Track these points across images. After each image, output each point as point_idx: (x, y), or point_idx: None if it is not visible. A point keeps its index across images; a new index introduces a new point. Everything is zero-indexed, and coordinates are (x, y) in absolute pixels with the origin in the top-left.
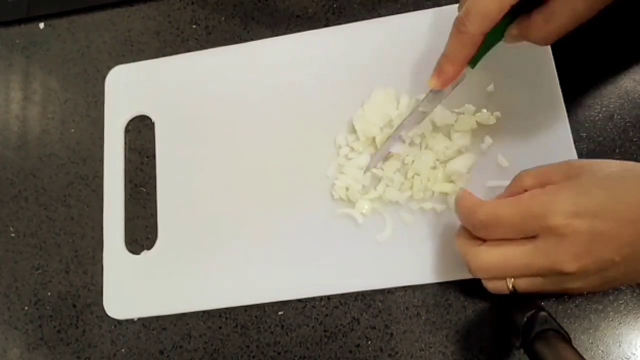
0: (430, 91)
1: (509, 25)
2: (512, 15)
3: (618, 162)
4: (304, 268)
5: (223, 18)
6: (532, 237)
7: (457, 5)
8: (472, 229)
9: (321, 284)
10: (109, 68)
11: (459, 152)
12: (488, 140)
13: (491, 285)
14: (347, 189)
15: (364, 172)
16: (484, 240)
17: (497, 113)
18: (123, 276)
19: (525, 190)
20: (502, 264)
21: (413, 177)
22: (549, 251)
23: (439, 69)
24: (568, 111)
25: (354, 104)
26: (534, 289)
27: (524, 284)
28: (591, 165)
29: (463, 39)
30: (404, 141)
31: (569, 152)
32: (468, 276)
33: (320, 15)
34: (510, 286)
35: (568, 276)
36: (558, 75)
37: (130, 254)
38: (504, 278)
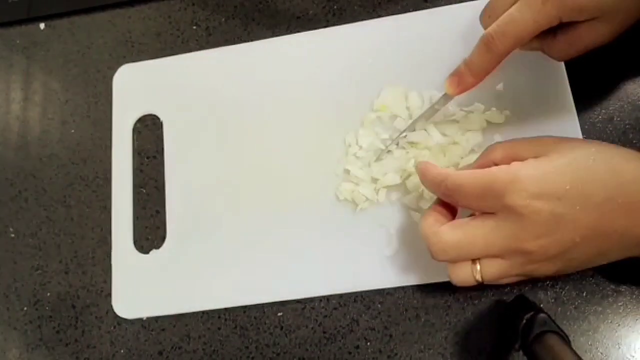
0: (445, 93)
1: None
2: None
3: (591, 142)
4: (306, 268)
5: (223, 19)
6: (493, 214)
7: (455, 5)
8: (443, 197)
9: (321, 284)
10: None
11: (472, 151)
12: (498, 138)
13: (455, 277)
14: (352, 191)
15: (375, 160)
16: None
17: (507, 111)
18: (132, 275)
19: (495, 164)
20: (462, 242)
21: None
22: (509, 229)
23: (458, 78)
24: None
25: (362, 103)
26: (500, 277)
27: (489, 272)
28: (562, 144)
29: (491, 56)
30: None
31: None
32: None
33: (321, 16)
34: (478, 276)
35: (530, 257)
36: None
37: (139, 253)
38: (466, 260)
